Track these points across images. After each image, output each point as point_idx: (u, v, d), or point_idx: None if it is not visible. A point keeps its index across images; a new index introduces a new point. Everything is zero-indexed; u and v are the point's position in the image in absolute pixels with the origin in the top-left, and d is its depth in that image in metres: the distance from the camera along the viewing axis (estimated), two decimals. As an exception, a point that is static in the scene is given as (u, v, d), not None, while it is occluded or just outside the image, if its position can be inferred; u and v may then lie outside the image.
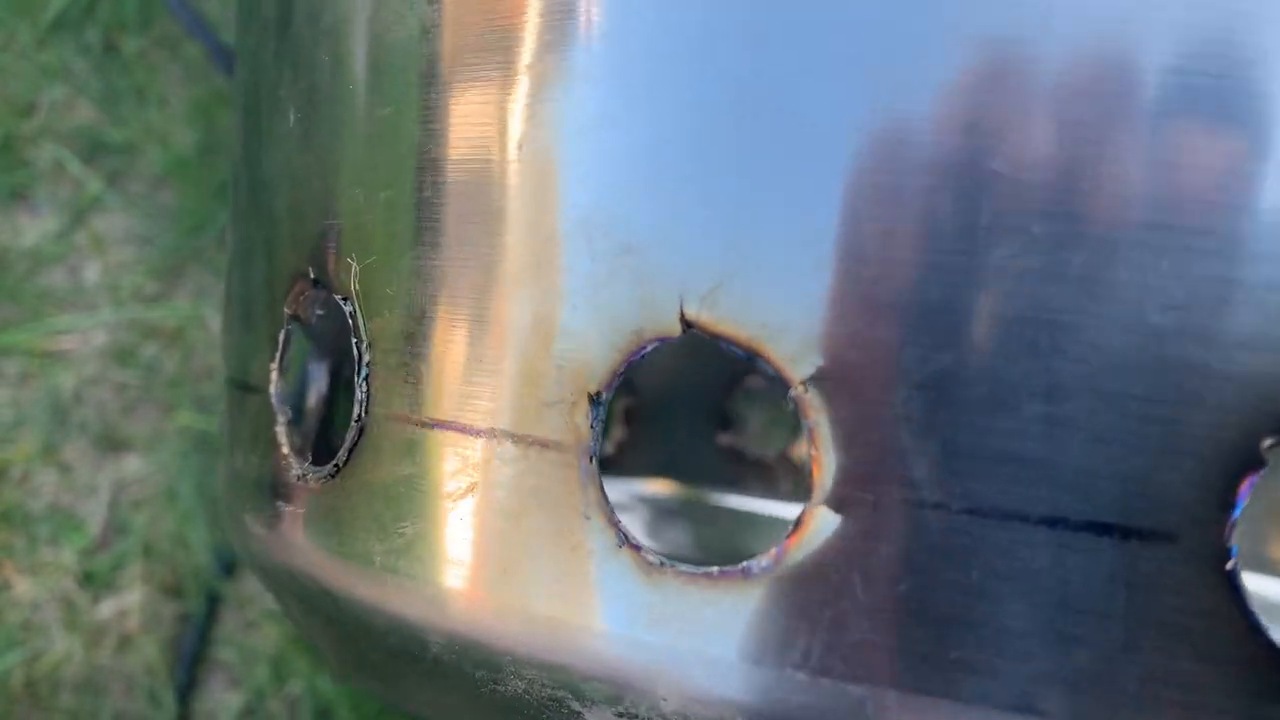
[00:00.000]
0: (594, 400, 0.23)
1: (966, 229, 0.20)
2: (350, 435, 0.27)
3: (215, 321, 0.67)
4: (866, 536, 0.21)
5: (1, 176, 0.68)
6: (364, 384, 0.27)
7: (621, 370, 0.23)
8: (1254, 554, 0.47)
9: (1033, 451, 0.20)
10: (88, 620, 0.66)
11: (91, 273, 0.68)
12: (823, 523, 0.22)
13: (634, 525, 0.56)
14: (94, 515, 0.67)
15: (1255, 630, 0.20)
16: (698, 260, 0.22)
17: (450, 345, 0.25)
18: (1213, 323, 0.20)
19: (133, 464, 0.67)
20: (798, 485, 0.60)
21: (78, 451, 0.67)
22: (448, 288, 0.25)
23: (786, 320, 0.21)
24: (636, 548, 0.23)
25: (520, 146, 0.24)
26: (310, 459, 0.29)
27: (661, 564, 0.23)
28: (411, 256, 0.26)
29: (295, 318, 0.30)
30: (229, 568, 0.66)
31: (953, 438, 0.21)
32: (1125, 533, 0.20)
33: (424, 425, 0.25)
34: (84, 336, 0.68)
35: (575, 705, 0.24)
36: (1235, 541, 0.20)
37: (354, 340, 0.27)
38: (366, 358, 0.27)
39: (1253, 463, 0.20)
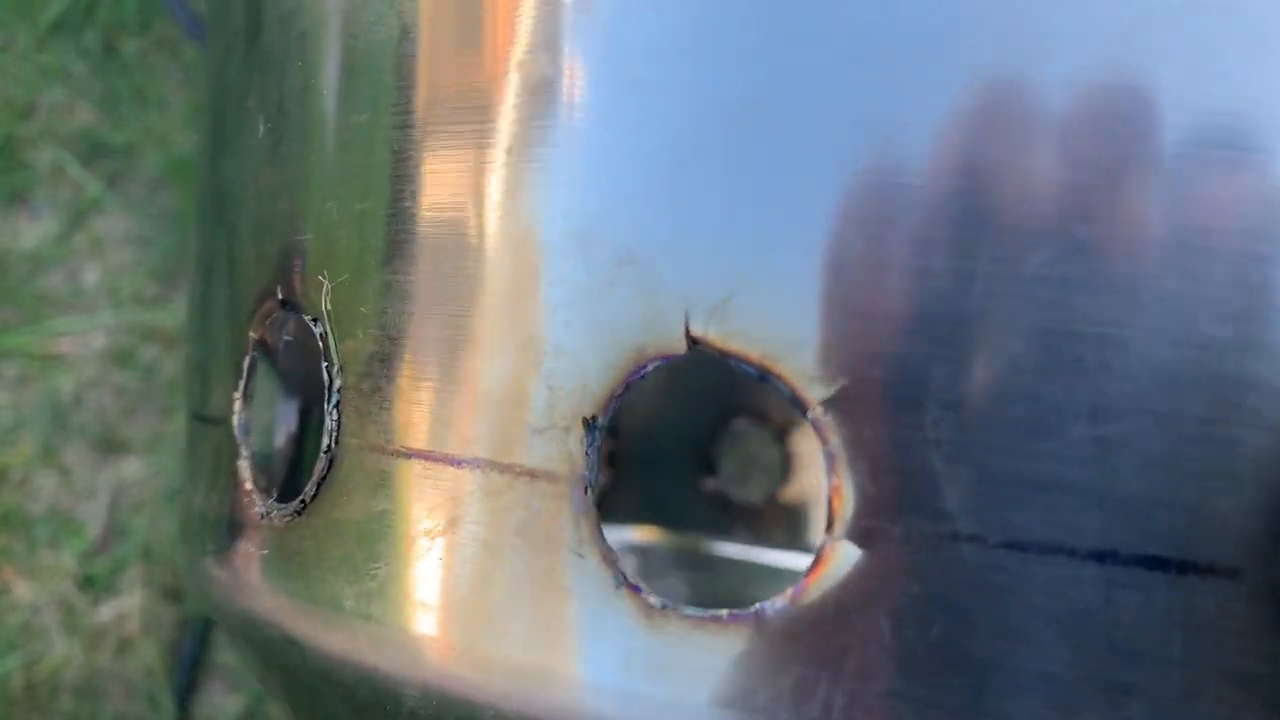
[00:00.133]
0: (589, 425, 0.21)
1: (1002, 232, 0.19)
2: (318, 468, 0.25)
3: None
4: (893, 574, 0.19)
5: (1, 179, 0.68)
6: (334, 411, 0.24)
7: (620, 392, 0.21)
8: None
9: (1077, 477, 0.18)
10: (87, 623, 0.66)
11: (91, 275, 0.69)
12: (844, 559, 0.19)
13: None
14: (93, 518, 0.67)
15: (1331, 676, 0.18)
16: (705, 270, 0.20)
17: (429, 367, 0.23)
18: (1273, 334, 0.18)
19: (132, 466, 0.67)
20: (788, 532, 0.58)
21: (77, 454, 0.68)
22: (426, 304, 0.23)
23: (803, 335, 0.19)
24: (635, 589, 0.21)
25: (509, 150, 0.22)
26: (275, 496, 0.27)
27: (663, 607, 0.21)
28: (387, 272, 0.23)
29: (261, 343, 0.28)
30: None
31: (988, 463, 0.19)
32: (1182, 567, 0.18)
33: (399, 455, 0.23)
34: (83, 339, 0.68)
35: (566, 765, 0.22)
36: (1307, 577, 0.18)
37: (324, 364, 0.25)
38: (337, 382, 0.24)
39: (1325, 488, 0.18)
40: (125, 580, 0.66)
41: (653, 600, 0.21)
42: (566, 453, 0.21)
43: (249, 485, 0.27)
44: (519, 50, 0.22)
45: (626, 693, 0.21)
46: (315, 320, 0.25)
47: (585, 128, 0.21)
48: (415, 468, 0.23)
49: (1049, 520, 0.19)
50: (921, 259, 0.19)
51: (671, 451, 0.61)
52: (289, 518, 0.25)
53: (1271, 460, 0.18)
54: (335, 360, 0.24)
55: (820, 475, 0.56)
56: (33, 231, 0.68)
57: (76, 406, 0.67)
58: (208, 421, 0.30)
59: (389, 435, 0.23)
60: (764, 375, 0.20)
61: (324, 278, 0.25)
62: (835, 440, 0.19)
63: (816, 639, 0.20)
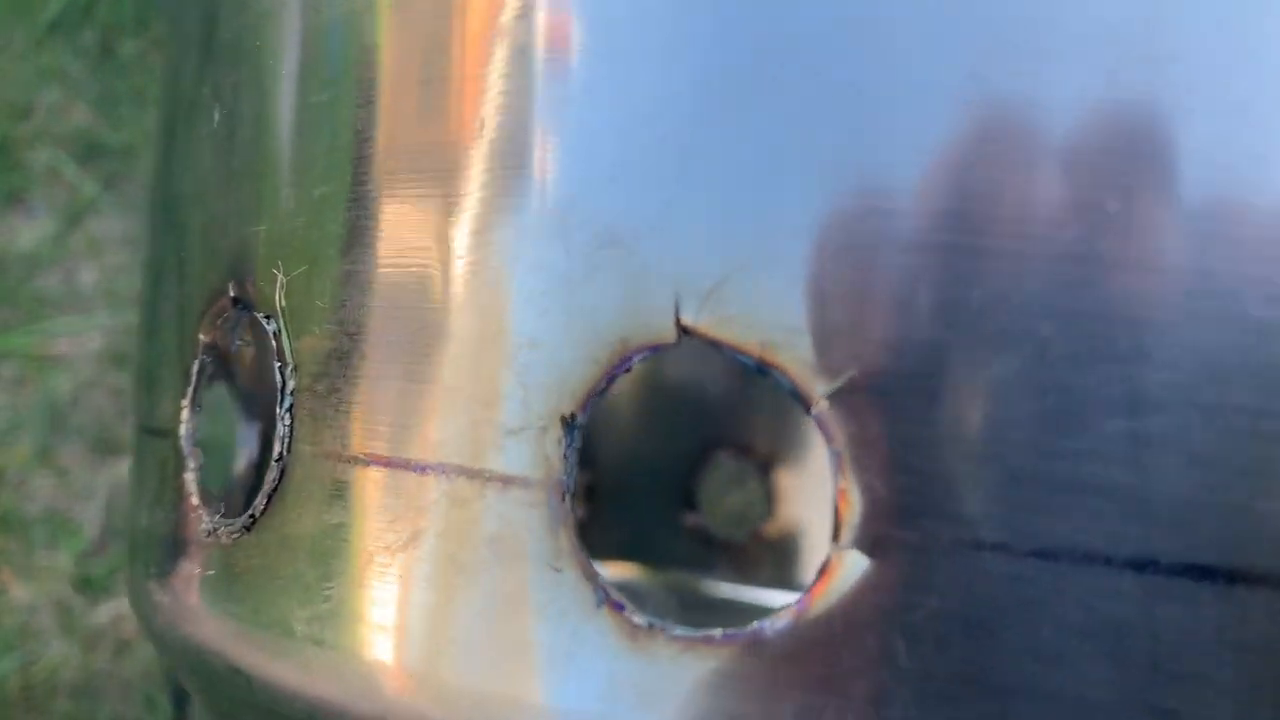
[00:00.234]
0: (568, 424, 0.19)
1: (1027, 206, 0.17)
2: (269, 478, 0.22)
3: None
4: (908, 587, 0.17)
5: (-3, 180, 0.68)
6: (287, 415, 0.22)
7: (603, 388, 0.19)
8: None
9: (1113, 477, 0.17)
10: (84, 625, 0.65)
11: (88, 276, 0.68)
12: (852, 570, 0.17)
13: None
14: (90, 519, 0.67)
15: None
16: (697, 252, 0.18)
17: (391, 364, 0.21)
18: (1329, 318, 0.16)
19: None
20: (774, 570, 0.56)
21: (74, 455, 0.67)
22: (389, 295, 0.21)
23: (806, 321, 0.17)
24: (618, 607, 0.19)
25: (480, 124, 0.20)
26: (224, 511, 0.25)
27: (650, 627, 0.19)
28: (346, 261, 0.21)
29: (213, 346, 0.25)
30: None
31: (1014, 461, 0.17)
32: (1230, 577, 0.16)
33: (358, 462, 0.21)
34: (80, 340, 0.68)
35: (540, 807, 0.20)
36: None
37: (276, 364, 0.23)
38: (291, 384, 0.22)
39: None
40: (122, 582, 0.65)
41: (638, 620, 0.19)
42: (542, 455, 0.19)
43: (195, 500, 0.25)
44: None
45: (608, 724, 0.19)
46: (268, 317, 0.23)
47: (561, 97, 0.19)
48: (375, 476, 0.21)
49: (1082, 525, 0.17)
50: (938, 234, 0.17)
51: (650, 485, 0.58)
52: (237, 534, 0.23)
53: (1329, 457, 0.16)
54: (289, 360, 0.22)
55: (810, 508, 0.54)
56: (29, 232, 0.68)
57: (74, 407, 0.67)
58: (155, 434, 0.27)
59: (346, 440, 0.21)
60: (762, 367, 0.18)
61: (278, 270, 0.23)
62: (841, 438, 0.17)
63: (822, 661, 0.17)
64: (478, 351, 0.20)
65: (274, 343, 0.23)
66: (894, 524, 0.17)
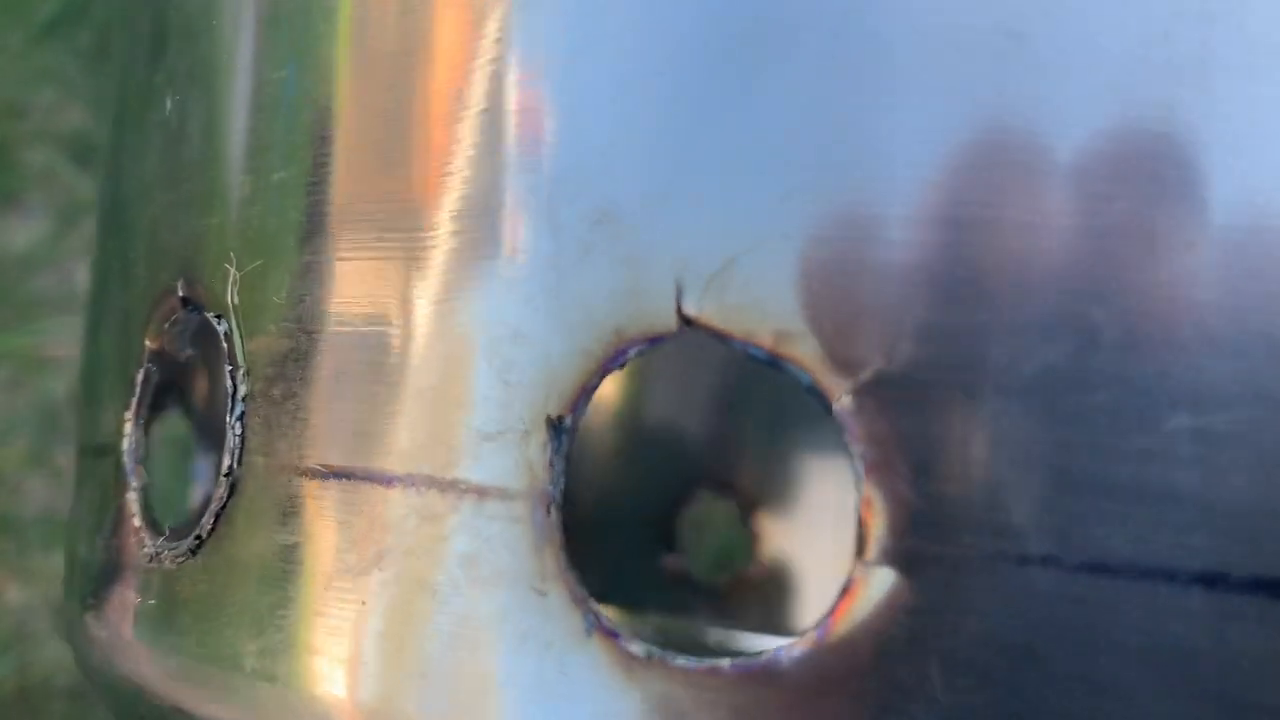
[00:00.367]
0: (554, 426, 0.17)
1: (1079, 176, 0.15)
2: (217, 494, 0.20)
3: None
4: (945, 609, 0.15)
5: (-8, 180, 0.67)
6: (238, 424, 0.20)
7: (594, 384, 0.17)
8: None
9: (1177, 481, 0.15)
10: None
11: (83, 277, 0.65)
12: (879, 590, 0.15)
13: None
14: None
15: None
16: (702, 230, 0.16)
17: (353, 364, 0.19)
18: None
19: (124, 470, 0.66)
20: (758, 614, 0.53)
21: (69, 457, 0.66)
22: (352, 286, 0.19)
23: (826, 306, 0.15)
24: (612, 635, 0.17)
25: (459, 93, 0.18)
26: (168, 534, 0.22)
27: (648, 658, 0.16)
28: (307, 252, 0.19)
29: (159, 354, 0.23)
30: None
31: (1064, 464, 0.15)
32: (1313, 596, 0.14)
33: (315, 475, 0.19)
34: (75, 342, 0.67)
35: None
36: None
37: (227, 368, 0.20)
38: (243, 389, 0.20)
39: None
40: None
41: (634, 649, 0.16)
42: (525, 463, 0.17)
43: (138, 521, 0.22)
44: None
45: (598, 770, 0.16)
46: (219, 317, 0.21)
47: (546, 59, 0.17)
48: (334, 490, 0.19)
49: (1142, 536, 0.15)
50: (975, 206, 0.15)
51: (628, 525, 0.56)
52: (182, 558, 0.21)
53: None
54: (241, 362, 0.20)
55: (796, 543, 0.52)
56: (25, 233, 0.66)
57: (69, 409, 0.65)
58: (95, 453, 0.25)
59: (303, 450, 0.19)
60: (776, 361, 0.16)
61: (230, 264, 0.20)
62: (867, 440, 0.15)
63: (845, 694, 0.15)
64: (453, 348, 0.18)
65: (225, 344, 0.20)
66: (928, 537, 0.15)
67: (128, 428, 0.23)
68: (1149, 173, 0.15)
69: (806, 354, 0.16)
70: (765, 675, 0.16)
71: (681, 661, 0.16)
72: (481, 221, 0.17)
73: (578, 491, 0.54)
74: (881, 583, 0.15)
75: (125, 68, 0.27)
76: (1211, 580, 0.14)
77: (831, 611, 0.15)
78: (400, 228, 0.18)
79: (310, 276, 0.19)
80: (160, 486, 0.23)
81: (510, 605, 0.17)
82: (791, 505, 0.52)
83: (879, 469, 0.15)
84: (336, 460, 0.19)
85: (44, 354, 0.65)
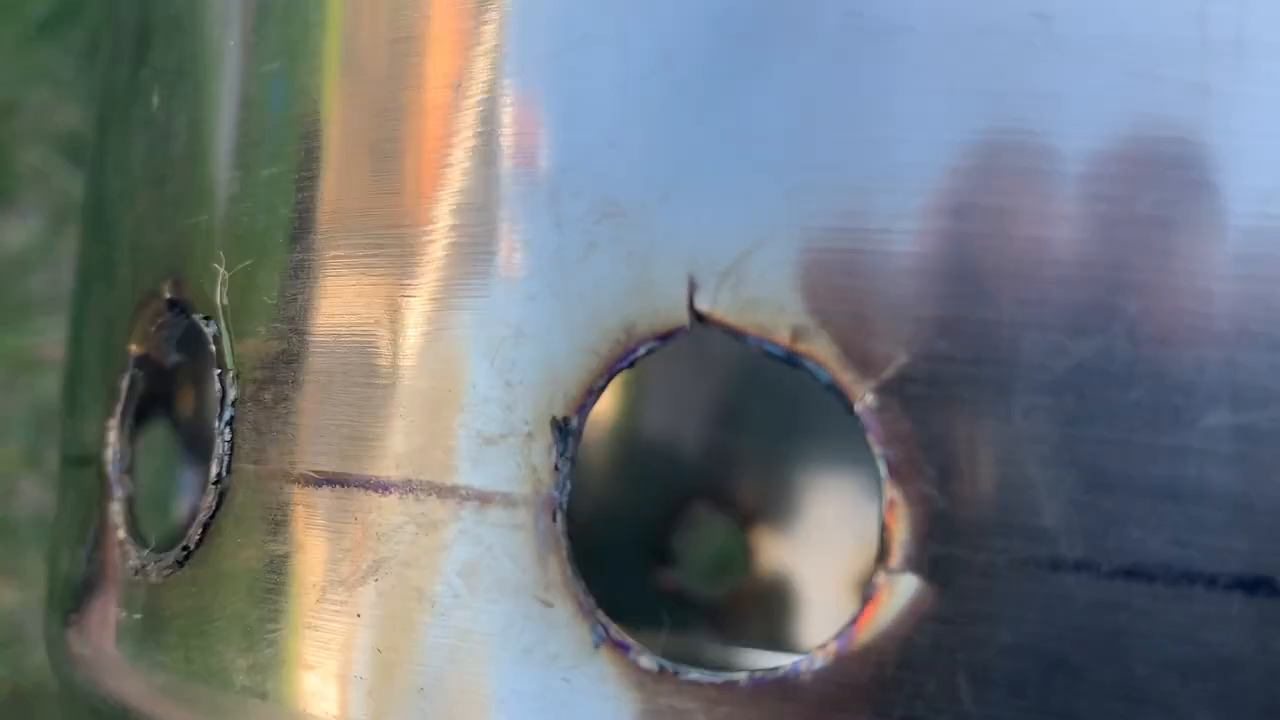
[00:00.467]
0: (560, 429, 0.16)
1: (1109, 162, 0.14)
2: (206, 503, 0.19)
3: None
4: (974, 617, 0.14)
5: (-14, 179, 0.66)
6: (227, 430, 0.19)
7: (602, 384, 0.16)
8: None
9: (1216, 481, 0.14)
10: None
11: None
12: (905, 597, 0.14)
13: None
14: None
15: None
16: (714, 222, 0.15)
17: (347, 366, 0.18)
18: None
19: (118, 471, 0.65)
20: (756, 629, 0.52)
21: None
22: (345, 285, 0.18)
23: (847, 301, 0.15)
24: (622, 648, 0.16)
25: (456, 86, 0.17)
26: (154, 546, 0.21)
27: (660, 671, 0.16)
28: (298, 250, 0.19)
29: (144, 359, 0.22)
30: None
31: (1098, 464, 0.14)
32: (1360, 601, 0.14)
33: (308, 482, 0.18)
34: None
35: None
36: None
37: (216, 372, 0.19)
38: (232, 393, 0.19)
39: None
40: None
41: (645, 663, 0.16)
42: (529, 467, 0.16)
43: (122, 533, 0.22)
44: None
45: (607, 789, 0.16)
46: (207, 318, 0.20)
47: (547, 47, 0.16)
48: (327, 497, 0.18)
49: (1181, 539, 0.14)
50: (1004, 196, 0.14)
51: (622, 539, 0.55)
52: (169, 570, 0.20)
53: None
54: (231, 365, 0.19)
55: (795, 557, 0.51)
56: (18, 233, 0.65)
57: None
58: (78, 463, 0.24)
59: (294, 457, 0.18)
60: (794, 358, 0.15)
61: (220, 264, 0.20)
62: (890, 440, 0.15)
63: (869, 706, 0.15)
64: (453, 348, 0.17)
65: (213, 347, 0.20)
66: (956, 542, 0.14)
67: (111, 435, 0.22)
68: (1182, 159, 0.14)
69: (825, 352, 0.15)
70: (783, 688, 0.15)
71: (695, 675, 0.15)
72: (481, 217, 0.17)
73: (571, 504, 0.54)
74: (906, 590, 0.14)
75: (110, 63, 0.26)
76: (1253, 585, 0.14)
77: (854, 620, 0.15)
78: (396, 224, 0.18)
79: (302, 276, 0.18)
80: (145, 496, 0.23)
81: (514, 617, 0.16)
82: (790, 518, 0.51)
83: (903, 470, 0.15)
84: (329, 466, 0.18)
85: (38, 355, 0.64)
